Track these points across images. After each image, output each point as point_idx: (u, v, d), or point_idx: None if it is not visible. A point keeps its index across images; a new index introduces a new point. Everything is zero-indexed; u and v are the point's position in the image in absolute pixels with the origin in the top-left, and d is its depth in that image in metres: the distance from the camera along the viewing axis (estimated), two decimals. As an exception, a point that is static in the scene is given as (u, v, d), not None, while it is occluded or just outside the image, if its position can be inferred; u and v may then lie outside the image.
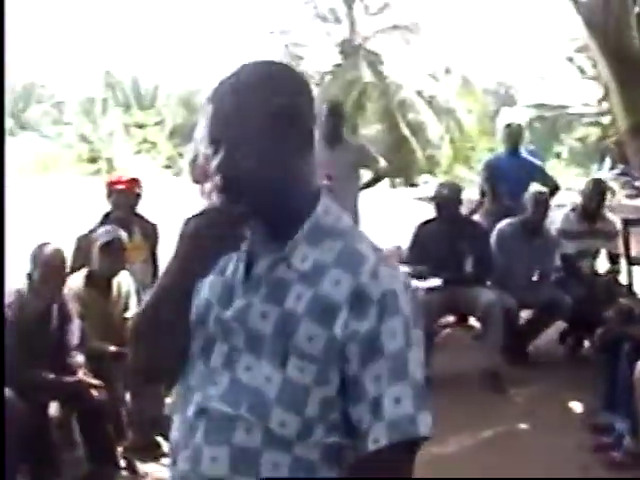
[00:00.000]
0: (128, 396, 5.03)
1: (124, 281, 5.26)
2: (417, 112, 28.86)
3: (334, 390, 1.61)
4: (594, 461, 5.11)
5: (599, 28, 9.33)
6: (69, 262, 5.69)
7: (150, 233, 6.23)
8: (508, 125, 8.66)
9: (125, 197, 6.15)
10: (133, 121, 32.74)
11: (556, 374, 6.68)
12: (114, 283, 5.17)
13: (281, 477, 1.62)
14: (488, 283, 6.82)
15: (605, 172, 23.21)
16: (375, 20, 30.15)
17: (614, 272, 7.44)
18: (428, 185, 28.35)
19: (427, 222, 7.19)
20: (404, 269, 7.68)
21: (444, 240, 6.74)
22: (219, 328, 1.69)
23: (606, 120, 26.18)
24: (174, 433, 1.76)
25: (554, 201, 8.07)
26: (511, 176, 7.88)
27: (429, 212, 7.38)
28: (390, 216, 17.48)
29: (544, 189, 7.96)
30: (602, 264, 7.56)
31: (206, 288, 1.74)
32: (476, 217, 8.01)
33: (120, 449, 4.87)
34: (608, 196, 8.04)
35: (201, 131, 1.69)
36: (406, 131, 28.94)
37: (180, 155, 28.87)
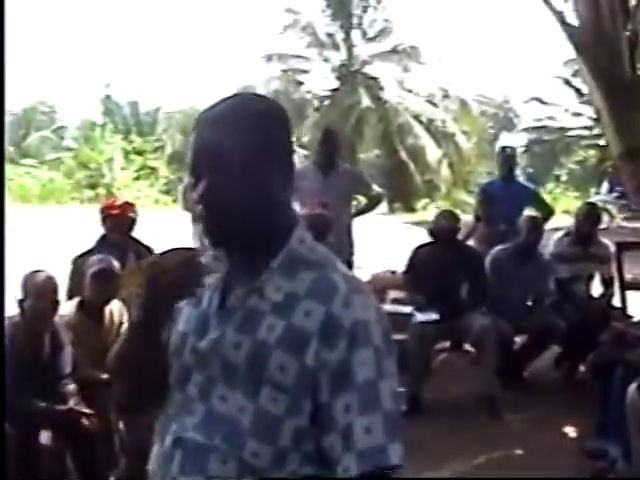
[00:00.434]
0: (120, 425, 5.01)
1: (116, 309, 5.27)
2: (416, 137, 28.92)
3: (306, 420, 1.61)
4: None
5: (589, 53, 9.39)
6: (66, 284, 5.71)
7: (145, 257, 6.23)
8: (502, 150, 8.68)
9: (119, 221, 6.16)
10: (132, 147, 32.80)
11: (551, 399, 6.68)
12: (106, 311, 5.17)
13: (281, 477, 1.63)
14: (482, 308, 6.82)
15: (603, 195, 23.27)
16: (373, 45, 30.28)
17: (608, 296, 7.44)
18: (426, 211, 28.46)
19: (423, 246, 7.20)
20: (400, 295, 7.71)
21: (440, 265, 6.74)
22: (194, 358, 1.71)
23: (604, 143, 26.22)
24: (153, 463, 1.77)
25: (550, 225, 8.08)
26: (505, 201, 7.88)
27: (425, 237, 7.39)
28: (387, 241, 17.52)
29: (538, 214, 7.97)
30: (596, 288, 7.57)
31: (183, 319, 1.76)
32: (470, 242, 8.02)
33: (112, 478, 4.86)
34: (606, 219, 8.06)
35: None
36: (404, 156, 28.99)
37: (180, 180, 28.94)
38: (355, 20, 29.76)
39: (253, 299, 1.66)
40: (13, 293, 4.87)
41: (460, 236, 7.54)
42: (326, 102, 29.44)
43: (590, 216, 7.43)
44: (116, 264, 5.29)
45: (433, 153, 28.85)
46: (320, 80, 30.51)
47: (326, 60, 30.23)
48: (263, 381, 1.61)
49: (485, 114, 40.56)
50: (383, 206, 28.42)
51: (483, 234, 8.12)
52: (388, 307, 7.84)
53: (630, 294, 7.68)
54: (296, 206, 7.50)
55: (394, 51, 29.76)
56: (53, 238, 17.42)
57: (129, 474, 4.87)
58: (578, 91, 34.41)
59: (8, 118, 41.42)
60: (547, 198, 17.00)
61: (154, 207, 24.08)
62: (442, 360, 7.45)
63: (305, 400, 1.61)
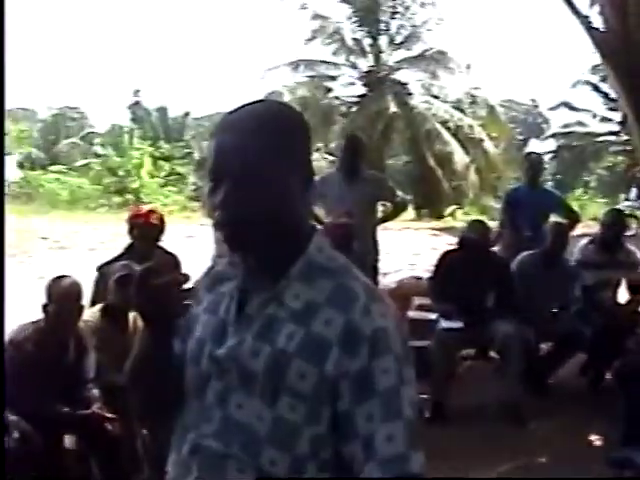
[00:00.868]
0: (143, 430, 5.04)
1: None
2: (443, 143, 28.81)
3: (325, 428, 1.61)
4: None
5: (615, 58, 9.31)
6: (91, 292, 5.75)
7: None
8: (528, 156, 8.65)
9: (146, 230, 6.17)
10: (160, 153, 32.97)
11: (577, 407, 6.62)
12: (130, 317, 5.20)
13: (280, 477, 1.63)
14: (508, 316, 6.78)
15: (632, 201, 23.10)
16: (400, 51, 30.26)
17: (634, 303, 7.38)
18: (454, 217, 28.36)
19: (450, 252, 7.18)
20: (425, 301, 7.69)
21: (467, 272, 6.70)
22: (212, 366, 1.71)
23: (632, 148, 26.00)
24: (170, 471, 1.78)
25: (578, 232, 8.04)
26: (531, 207, 7.84)
27: (452, 243, 7.38)
28: (413, 247, 17.49)
29: (564, 220, 7.92)
30: (622, 295, 7.51)
31: (200, 327, 1.76)
32: (495, 248, 7.98)
33: (135, 482, 4.89)
34: (634, 225, 8.00)
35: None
36: (432, 162, 28.90)
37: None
38: (382, 26, 29.74)
39: (272, 307, 1.66)
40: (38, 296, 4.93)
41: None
42: (353, 108, 29.39)
43: (616, 222, 7.38)
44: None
45: (461, 159, 28.72)
46: (347, 86, 30.53)
47: (353, 66, 30.22)
48: (282, 389, 1.61)
49: (513, 120, 40.45)
50: (410, 212, 28.46)
51: (508, 240, 8.08)
52: (413, 313, 7.84)
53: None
54: (321, 213, 7.53)
55: (422, 57, 29.70)
56: (84, 243, 17.54)
57: (152, 479, 4.90)
58: (607, 96, 34.23)
59: (38, 125, 41.90)
60: (575, 204, 16.95)
61: (182, 213, 24.17)
62: (467, 367, 7.42)
63: (324, 408, 1.61)
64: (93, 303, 5.62)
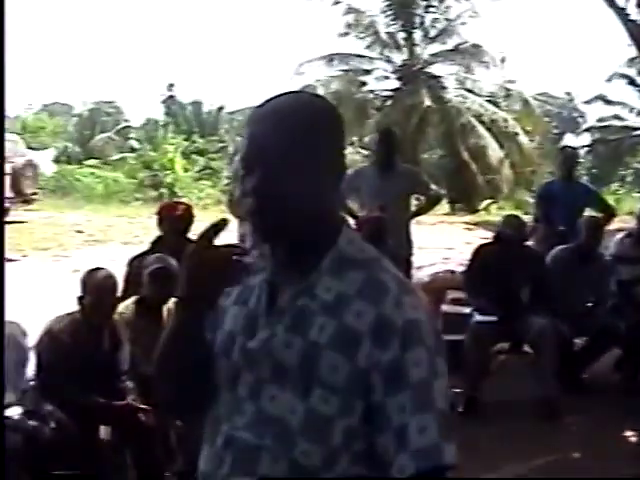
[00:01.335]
0: (177, 421, 5.07)
1: (175, 307, 5.31)
2: (478, 137, 28.63)
3: (357, 420, 1.61)
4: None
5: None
6: (121, 285, 5.78)
7: None
8: (562, 150, 8.60)
9: (176, 223, 6.19)
10: (194, 147, 33.10)
11: (611, 402, 6.59)
12: (164, 309, 5.23)
13: (279, 477, 1.63)
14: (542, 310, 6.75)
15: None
16: (435, 45, 30.11)
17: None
18: (488, 212, 28.23)
19: (485, 246, 7.16)
20: (459, 295, 7.67)
21: (502, 266, 6.67)
22: (244, 358, 1.71)
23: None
24: (202, 464, 1.78)
25: (613, 226, 7.97)
26: (565, 201, 7.80)
27: (486, 238, 7.35)
28: (448, 241, 17.43)
29: (599, 215, 7.87)
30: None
31: (229, 319, 1.76)
32: (530, 243, 7.94)
33: (169, 474, 4.92)
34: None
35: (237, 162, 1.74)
36: (466, 156, 28.74)
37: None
38: (417, 20, 29.60)
39: (303, 299, 1.66)
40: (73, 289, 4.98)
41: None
42: (388, 102, 29.25)
43: (652, 217, 7.31)
44: (174, 263, 5.35)
45: (495, 153, 28.51)
46: (382, 80, 30.42)
47: (388, 60, 30.09)
48: (314, 381, 1.61)
49: (548, 113, 40.14)
50: (444, 207, 28.35)
51: (542, 235, 8.04)
52: (447, 307, 7.82)
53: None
54: (355, 207, 7.54)
55: (456, 50, 29.48)
56: (118, 237, 17.65)
57: (186, 470, 4.93)
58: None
59: (74, 119, 42.21)
60: (611, 199, 16.81)
61: (216, 207, 24.24)
62: (501, 362, 7.39)
63: (356, 400, 1.61)
64: (123, 296, 5.65)
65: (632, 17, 9.36)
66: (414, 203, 8.54)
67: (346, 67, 29.98)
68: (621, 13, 9.40)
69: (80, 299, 4.81)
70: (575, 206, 7.76)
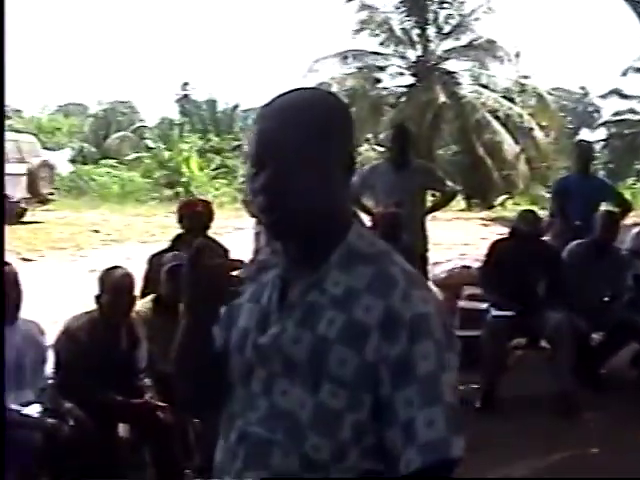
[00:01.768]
0: (195, 419, 5.09)
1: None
2: (493, 132, 28.59)
3: (366, 415, 1.61)
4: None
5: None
6: (141, 282, 5.81)
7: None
8: (578, 144, 8.57)
9: (195, 220, 6.21)
10: (210, 146, 33.17)
11: (629, 397, 6.57)
12: (181, 308, 5.24)
13: (279, 477, 1.64)
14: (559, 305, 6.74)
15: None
16: (449, 41, 30.07)
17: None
18: (504, 207, 28.15)
19: (501, 241, 7.16)
20: (475, 291, 7.66)
21: (518, 261, 6.66)
22: (256, 354, 1.72)
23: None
24: (217, 459, 1.80)
25: (629, 221, 7.94)
26: (581, 196, 7.77)
27: (502, 233, 7.34)
28: (464, 237, 17.41)
29: (615, 209, 7.84)
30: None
31: (243, 316, 1.78)
32: (546, 238, 7.92)
33: (188, 471, 4.94)
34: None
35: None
36: (482, 152, 28.71)
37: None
38: (431, 16, 29.57)
39: (313, 294, 1.67)
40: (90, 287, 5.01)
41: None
42: (402, 99, 29.24)
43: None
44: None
45: (510, 149, 28.47)
46: (396, 77, 30.40)
47: (402, 57, 30.07)
48: (323, 376, 1.62)
49: (563, 108, 40.00)
50: (460, 203, 28.29)
51: (558, 229, 8.02)
52: (463, 303, 7.82)
53: None
54: (370, 203, 7.55)
55: (470, 46, 29.45)
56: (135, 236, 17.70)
57: (204, 467, 4.94)
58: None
59: (89, 119, 42.36)
60: (627, 193, 16.74)
61: (232, 205, 24.28)
62: (518, 357, 7.38)
63: (365, 395, 1.61)
64: (143, 293, 5.68)
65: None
66: (430, 199, 8.55)
67: (360, 64, 29.97)
68: (636, 6, 9.37)
69: (98, 298, 4.84)
70: (591, 200, 7.73)
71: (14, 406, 4.51)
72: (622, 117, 37.13)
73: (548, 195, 13.28)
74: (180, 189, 29.57)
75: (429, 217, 8.04)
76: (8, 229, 14.28)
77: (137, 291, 5.24)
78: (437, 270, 8.62)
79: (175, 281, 5.19)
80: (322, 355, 1.62)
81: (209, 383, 1.81)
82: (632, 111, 36.87)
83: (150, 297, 5.38)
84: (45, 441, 4.44)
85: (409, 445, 1.56)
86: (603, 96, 39.73)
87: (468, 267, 8.60)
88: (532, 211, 7.50)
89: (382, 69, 30.42)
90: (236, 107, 39.01)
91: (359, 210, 7.45)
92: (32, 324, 4.86)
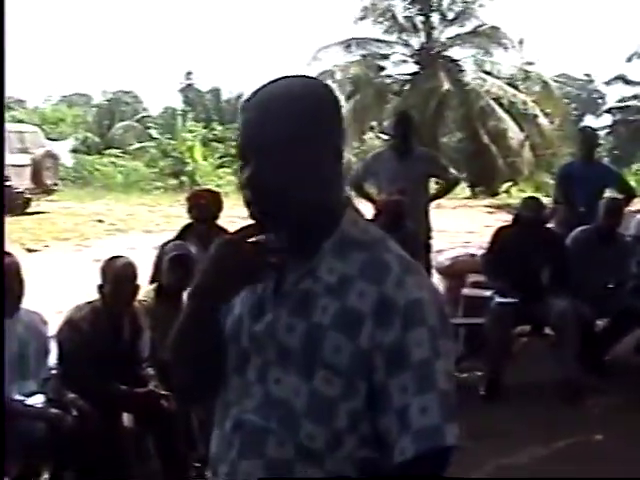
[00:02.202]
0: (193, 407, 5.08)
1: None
2: (497, 119, 28.51)
3: (362, 402, 1.61)
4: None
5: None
6: (151, 271, 5.80)
7: None
8: (582, 130, 8.54)
9: (205, 210, 6.19)
10: (214, 135, 33.14)
11: (633, 384, 6.56)
12: (184, 296, 5.24)
13: (279, 477, 1.63)
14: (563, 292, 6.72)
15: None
16: (452, 28, 29.97)
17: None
18: (509, 195, 28.10)
19: (505, 228, 7.14)
20: (479, 278, 7.65)
21: (522, 248, 6.65)
22: (251, 342, 1.71)
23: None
24: (213, 448, 1.79)
25: (635, 207, 7.91)
26: (585, 182, 7.74)
27: (507, 220, 7.32)
28: (468, 224, 17.39)
29: (619, 196, 7.81)
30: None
31: (238, 304, 1.76)
32: (550, 224, 7.89)
33: (192, 460, 4.94)
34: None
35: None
36: (486, 139, 28.63)
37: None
38: (434, 3, 29.46)
39: (307, 282, 1.66)
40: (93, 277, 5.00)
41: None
42: (406, 86, 29.16)
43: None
44: (194, 251, 5.37)
45: (515, 136, 28.39)
46: (400, 64, 30.31)
47: (406, 44, 29.98)
48: (317, 363, 1.61)
49: (568, 95, 39.87)
50: (465, 190, 28.24)
51: (563, 216, 7.99)
52: (467, 291, 7.81)
53: None
54: (373, 191, 7.54)
55: (474, 33, 29.34)
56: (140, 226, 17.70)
57: (207, 455, 4.94)
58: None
59: (93, 110, 42.35)
60: (632, 180, 16.71)
61: (237, 195, 24.26)
62: (522, 344, 7.38)
63: (360, 382, 1.60)
64: (153, 282, 5.66)
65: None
66: (434, 187, 8.52)
67: (364, 52, 29.88)
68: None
69: (100, 287, 4.83)
70: (595, 187, 7.70)
71: (17, 397, 4.51)
72: (627, 103, 37.11)
73: (553, 182, 13.26)
74: (184, 178, 29.58)
75: (433, 205, 8.02)
76: (13, 220, 14.35)
77: (143, 280, 5.23)
78: (441, 258, 8.60)
79: (177, 270, 5.20)
80: (316, 342, 1.61)
81: (210, 370, 1.78)
82: (637, 97, 36.84)
83: (153, 286, 5.38)
84: (48, 431, 4.44)
85: (403, 432, 1.55)
86: (608, 82, 39.69)
87: (472, 255, 8.57)
88: (535, 198, 7.48)
89: (386, 57, 30.34)
90: (240, 96, 38.91)
91: (362, 198, 7.45)
92: (35, 315, 4.85)
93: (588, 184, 7.71)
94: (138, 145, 34.24)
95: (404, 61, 30.25)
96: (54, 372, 4.84)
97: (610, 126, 37.33)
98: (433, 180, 8.35)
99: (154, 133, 34.39)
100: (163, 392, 4.76)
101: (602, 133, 32.47)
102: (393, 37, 29.93)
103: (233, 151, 32.95)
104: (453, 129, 32.08)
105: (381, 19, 29.45)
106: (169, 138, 32.23)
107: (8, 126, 18.96)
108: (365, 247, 1.67)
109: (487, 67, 29.79)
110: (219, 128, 34.11)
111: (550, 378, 6.52)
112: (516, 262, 6.61)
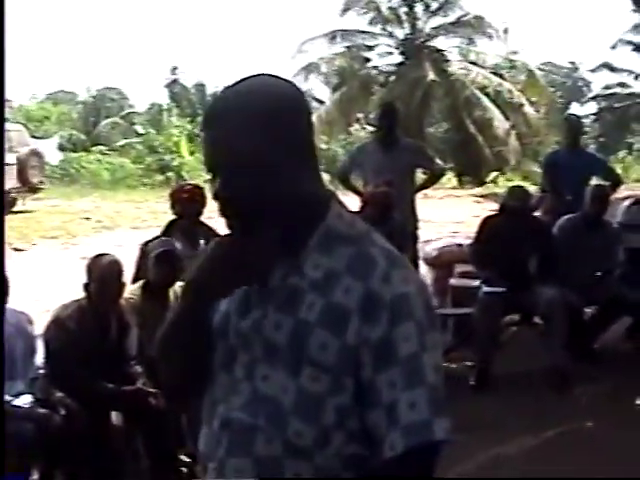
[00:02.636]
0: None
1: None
2: (483, 109, 28.51)
3: (349, 398, 1.60)
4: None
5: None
6: (133, 269, 5.78)
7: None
8: (567, 118, 8.55)
9: (189, 206, 6.15)
10: (200, 130, 33.08)
11: (623, 371, 6.58)
12: (171, 293, 5.23)
13: (279, 477, 1.62)
14: (551, 280, 6.73)
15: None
16: (437, 18, 29.94)
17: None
18: (496, 184, 28.15)
19: (492, 217, 7.15)
20: (467, 268, 7.65)
21: (509, 237, 6.64)
22: (238, 339, 1.70)
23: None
24: (201, 446, 1.77)
25: (622, 194, 7.92)
26: (571, 170, 7.74)
27: (494, 210, 7.32)
28: (455, 214, 17.41)
29: (605, 183, 7.82)
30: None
31: (225, 300, 1.74)
32: (537, 213, 7.90)
33: (181, 457, 4.93)
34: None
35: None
36: (472, 129, 28.65)
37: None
38: (418, -7, 29.46)
39: (293, 278, 1.64)
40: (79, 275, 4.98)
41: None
42: (392, 78, 29.14)
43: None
44: (179, 246, 5.34)
45: (501, 125, 28.38)
46: (385, 56, 30.27)
47: (390, 35, 29.94)
48: (304, 360, 1.60)
49: (553, 83, 39.92)
50: (452, 180, 28.26)
51: (550, 204, 7.99)
52: (455, 281, 7.81)
53: None
54: (359, 183, 7.53)
55: (458, 23, 29.31)
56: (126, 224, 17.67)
57: (195, 454, 4.93)
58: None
59: (78, 107, 42.19)
60: (618, 167, 16.75)
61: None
62: (511, 333, 7.39)
63: (347, 378, 1.59)
64: (135, 280, 5.65)
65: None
66: (421, 177, 8.52)
67: (349, 44, 29.83)
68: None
69: (86, 286, 4.81)
70: (581, 174, 7.70)
71: (5, 397, 4.49)
72: (612, 91, 37.14)
73: (540, 170, 13.30)
74: (171, 174, 29.50)
75: (420, 195, 8.02)
76: (-2, 219, 14.27)
77: (128, 278, 5.21)
78: (428, 248, 8.60)
79: (163, 267, 5.18)
80: (303, 339, 1.60)
81: (198, 367, 1.76)
82: (622, 85, 36.88)
83: (139, 283, 5.35)
84: (37, 432, 4.43)
85: (392, 428, 1.54)
86: (593, 70, 39.72)
87: (460, 245, 8.57)
88: (521, 187, 7.49)
89: (371, 48, 30.30)
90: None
91: (348, 190, 7.44)
92: (21, 315, 4.84)
93: (574, 172, 7.70)
94: (124, 141, 34.13)
95: (389, 52, 30.23)
96: (41, 372, 4.82)
97: (596, 114, 37.37)
98: (420, 171, 8.36)
99: (140, 129, 34.28)
100: (151, 390, 4.75)
101: (588, 121, 32.54)
102: (377, 28, 29.90)
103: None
104: (439, 119, 32.10)
105: (365, 10, 29.39)
106: (155, 134, 32.14)
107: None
108: (351, 241, 1.65)
109: (472, 57, 29.79)
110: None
111: (539, 366, 6.52)
112: (504, 251, 6.61)
